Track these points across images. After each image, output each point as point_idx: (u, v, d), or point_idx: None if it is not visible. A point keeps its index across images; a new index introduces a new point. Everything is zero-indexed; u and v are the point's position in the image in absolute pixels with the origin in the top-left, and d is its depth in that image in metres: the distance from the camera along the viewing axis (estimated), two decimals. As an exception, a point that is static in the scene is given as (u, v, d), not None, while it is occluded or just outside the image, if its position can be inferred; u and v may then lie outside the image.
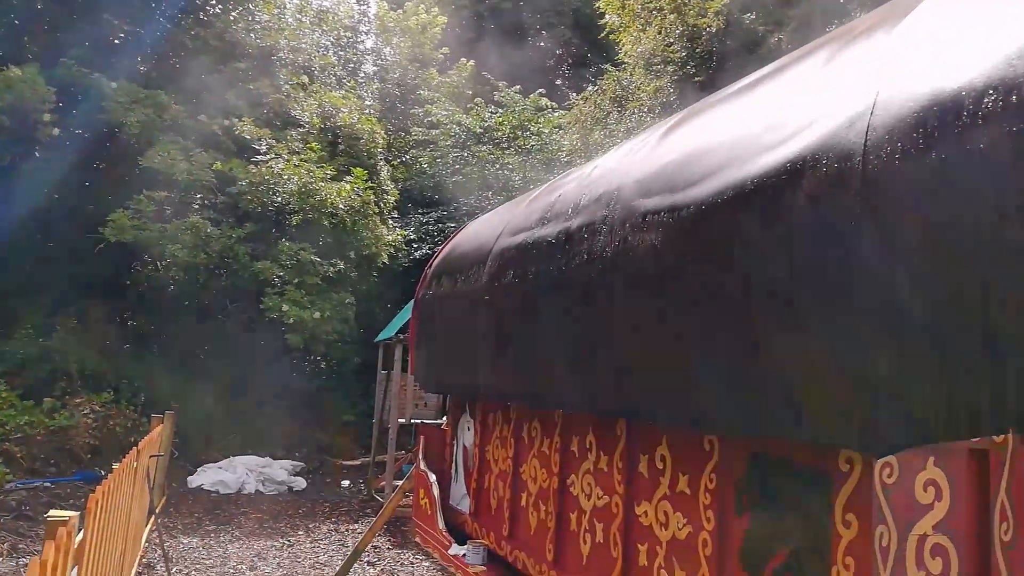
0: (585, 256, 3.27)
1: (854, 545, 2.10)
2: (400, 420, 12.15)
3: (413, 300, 5.85)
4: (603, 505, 3.37)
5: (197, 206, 15.43)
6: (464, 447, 5.16)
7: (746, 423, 2.31)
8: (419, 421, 12.99)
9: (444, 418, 12.59)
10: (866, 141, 1.91)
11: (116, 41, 17.64)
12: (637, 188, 3.07)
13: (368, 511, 12.45)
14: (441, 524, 4.68)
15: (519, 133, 24.54)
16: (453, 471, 5.25)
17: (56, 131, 14.59)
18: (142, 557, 8.50)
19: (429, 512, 4.88)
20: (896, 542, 2.07)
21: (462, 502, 5.01)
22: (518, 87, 25.74)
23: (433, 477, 5.05)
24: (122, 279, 16.76)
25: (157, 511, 9.71)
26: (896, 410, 1.81)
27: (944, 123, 1.68)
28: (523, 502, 4.13)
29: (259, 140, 15.78)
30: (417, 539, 5.25)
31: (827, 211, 2.00)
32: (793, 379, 2.05)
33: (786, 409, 2.10)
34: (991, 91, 1.59)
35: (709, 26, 16.28)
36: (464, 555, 4.18)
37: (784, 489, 2.38)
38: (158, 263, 15.63)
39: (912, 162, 1.75)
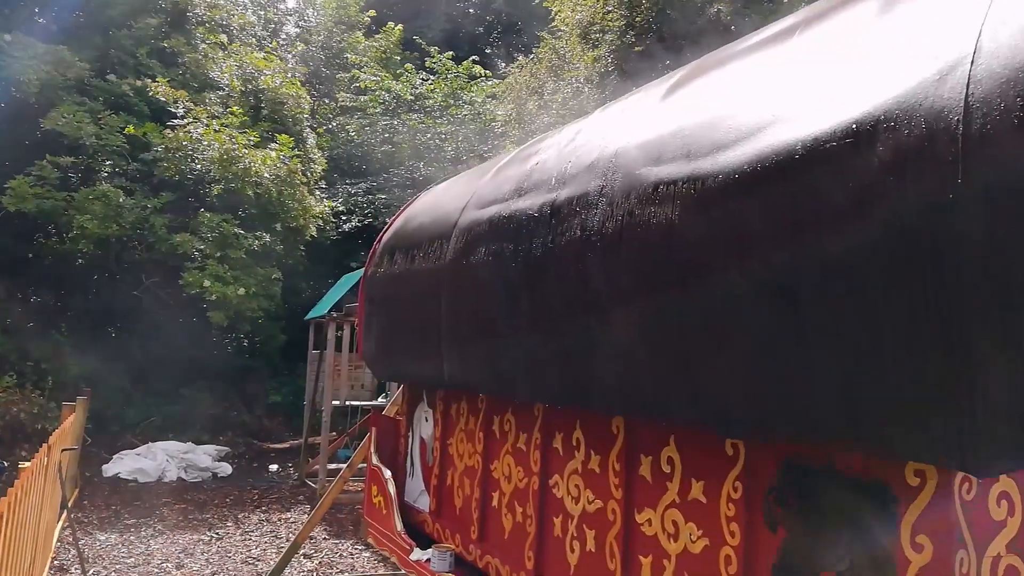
0: (578, 232, 2.89)
1: (927, 572, 1.81)
2: (335, 402, 11.59)
3: (360, 278, 5.36)
4: (595, 510, 3.04)
5: (107, 173, 14.22)
6: (421, 439, 4.75)
7: (792, 428, 1.99)
8: (360, 404, 12.50)
9: (381, 398, 12.12)
10: (967, 96, 1.58)
11: (10, -10, 16.02)
12: (641, 154, 2.70)
13: (300, 498, 11.89)
14: (399, 525, 4.27)
15: (451, 101, 23.87)
16: (408, 465, 4.83)
17: (-59, 88, 13.14)
18: (53, 559, 7.77)
19: (384, 511, 4.47)
20: (975, 569, 1.81)
21: (419, 499, 4.62)
22: (451, 53, 25.00)
23: (388, 473, 4.62)
24: (23, 252, 15.38)
25: (70, 505, 8.93)
26: (1010, 427, 1.52)
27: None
28: (495, 502, 3.77)
29: (176, 103, 14.65)
30: (370, 539, 4.83)
31: (912, 184, 1.67)
32: (865, 382, 1.73)
33: (852, 416, 1.79)
34: None
35: (649, -7, 16.03)
36: (428, 560, 3.80)
37: (831, 503, 2.08)
38: (63, 235, 14.37)
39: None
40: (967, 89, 1.59)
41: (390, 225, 5.19)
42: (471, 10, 38.69)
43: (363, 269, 5.22)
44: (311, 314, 12.97)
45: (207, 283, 12.76)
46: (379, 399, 12.01)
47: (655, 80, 3.50)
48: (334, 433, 12.98)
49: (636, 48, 15.70)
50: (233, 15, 20.52)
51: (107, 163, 14.23)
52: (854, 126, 1.81)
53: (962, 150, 1.57)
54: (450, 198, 4.48)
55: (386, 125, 22.78)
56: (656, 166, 2.57)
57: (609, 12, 16.61)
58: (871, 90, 1.83)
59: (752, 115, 2.21)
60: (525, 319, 3.30)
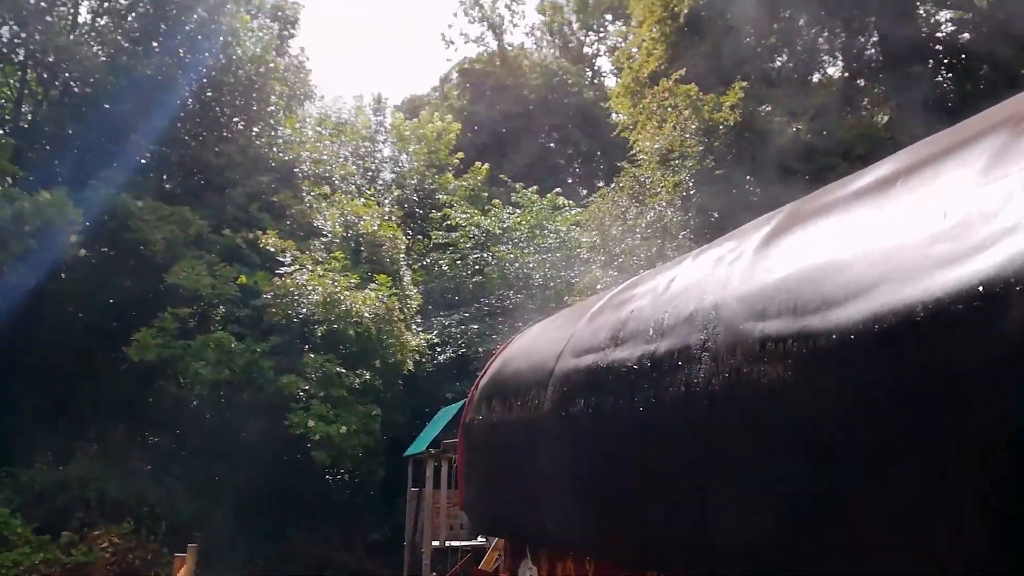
0: (682, 388, 2.81)
1: None
2: (434, 543, 11.36)
3: (457, 414, 5.36)
4: None
5: (220, 320, 15.22)
6: (527, 597, 4.53)
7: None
8: (460, 543, 12.20)
9: (480, 538, 11.79)
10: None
11: (143, 161, 18.06)
12: (743, 308, 2.64)
13: (402, 642, 11.47)
14: None
15: (537, 232, 24.57)
16: (515, 624, 4.60)
17: (82, 251, 14.64)
18: None
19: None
20: None
21: (528, 662, 4.35)
22: (535, 187, 26.01)
23: (494, 634, 4.40)
24: (144, 398, 16.38)
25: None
26: None
27: None
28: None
29: (283, 252, 15.75)
30: None
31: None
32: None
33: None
34: None
35: (726, 120, 16.37)
36: None
37: None
38: (180, 380, 15.28)
39: None
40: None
41: (486, 370, 5.22)
42: (552, 144, 40.56)
43: (461, 407, 5.23)
44: (410, 450, 13.02)
45: (311, 423, 13.15)
46: (478, 539, 11.69)
47: (748, 224, 3.48)
48: (435, 574, 12.65)
49: (717, 171, 15.89)
50: (335, 167, 22.24)
51: (221, 310, 15.26)
52: (981, 285, 1.72)
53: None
54: (545, 343, 4.49)
55: (476, 258, 23.59)
56: (761, 321, 2.51)
57: (687, 139, 17.00)
58: (998, 246, 1.75)
59: (863, 269, 2.15)
60: (628, 476, 3.19)
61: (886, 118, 18.55)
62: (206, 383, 14.02)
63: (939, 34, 20.01)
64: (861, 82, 21.10)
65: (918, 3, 19.33)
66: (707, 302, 2.92)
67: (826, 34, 21.28)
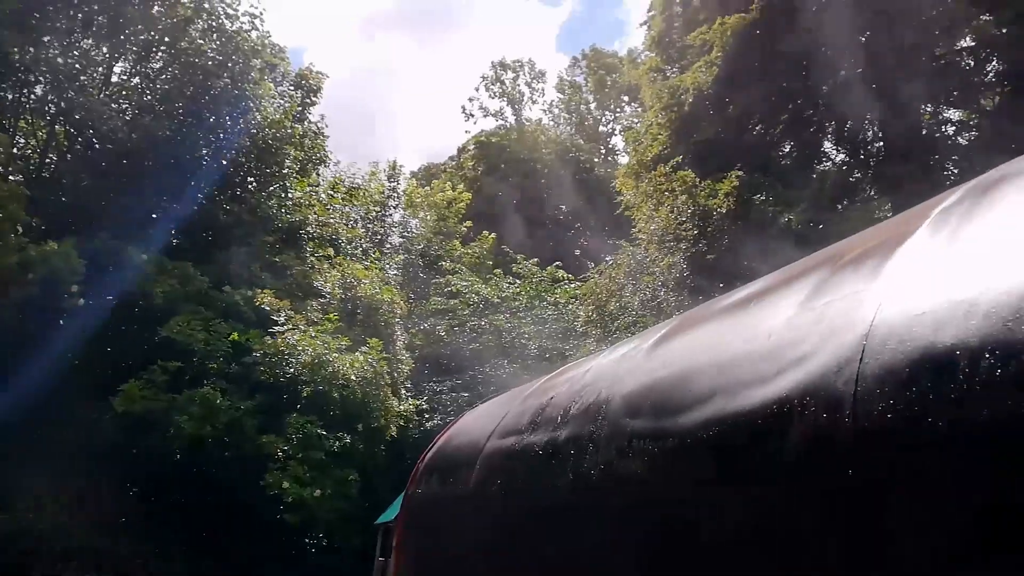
0: (570, 476, 3.00)
1: None
2: (399, 613, 11.18)
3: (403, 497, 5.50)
4: None
5: (210, 375, 15.41)
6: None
7: None
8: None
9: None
10: (856, 391, 1.71)
11: (153, 215, 18.62)
12: (624, 405, 2.86)
13: None
14: None
15: (536, 303, 24.87)
16: None
17: (81, 301, 14.99)
18: None
19: None
20: None
21: None
22: (536, 259, 26.44)
23: None
24: (127, 450, 16.42)
25: None
26: None
27: (938, 384, 1.48)
28: None
29: (278, 311, 16.05)
30: None
31: (816, 467, 1.78)
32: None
33: None
34: (987, 354, 1.40)
35: (720, 207, 16.78)
36: None
37: None
38: (164, 433, 15.36)
39: (904, 427, 1.53)
40: (855, 384, 1.72)
41: (433, 444, 5.39)
42: (561, 217, 41.32)
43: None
44: (381, 518, 12.96)
45: (286, 484, 13.16)
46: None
47: (656, 325, 3.72)
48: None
49: (709, 256, 16.21)
50: (342, 229, 22.78)
51: (211, 366, 15.47)
52: (775, 406, 1.95)
53: (852, 436, 1.68)
54: (483, 422, 4.68)
55: (474, 325, 23.83)
56: (634, 418, 2.72)
57: (683, 223, 17.37)
58: (792, 371, 1.98)
59: (709, 379, 2.37)
60: (527, 556, 3.34)
61: (883, 212, 18.89)
62: (187, 438, 14.11)
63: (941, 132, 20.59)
64: (858, 174, 21.51)
65: (924, 102, 19.90)
66: (602, 396, 3.14)
67: (828, 125, 21.85)
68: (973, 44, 19.50)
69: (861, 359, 1.73)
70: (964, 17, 17.28)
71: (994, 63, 19.53)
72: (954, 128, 20.93)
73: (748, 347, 2.26)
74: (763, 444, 1.99)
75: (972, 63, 19.81)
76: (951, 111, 20.98)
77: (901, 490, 1.57)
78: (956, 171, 18.81)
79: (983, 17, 17.85)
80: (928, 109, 20.46)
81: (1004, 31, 16.89)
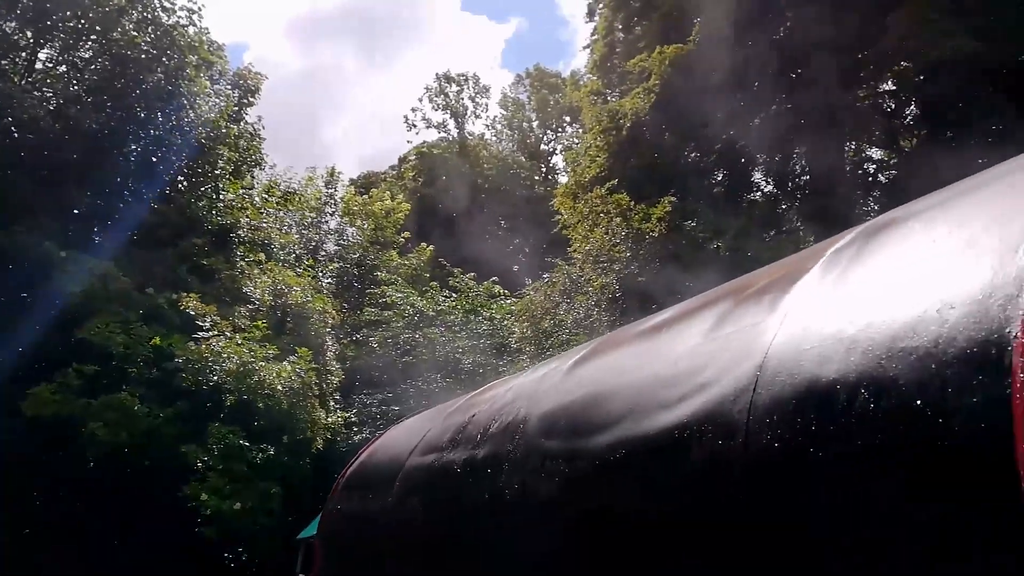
0: (486, 495, 3.03)
1: None
2: (316, 630, 10.93)
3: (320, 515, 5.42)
4: None
5: (128, 381, 14.80)
6: None
7: None
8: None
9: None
10: (748, 420, 1.80)
11: (75, 210, 17.83)
12: (540, 425, 2.91)
13: None
14: None
15: (471, 318, 24.84)
16: None
17: (-7, 297, 14.24)
18: None
19: None
20: None
21: None
22: (473, 274, 26.44)
23: None
24: (38, 456, 15.59)
25: None
26: None
27: (820, 416, 1.58)
28: None
29: (204, 316, 15.57)
30: None
31: (713, 490, 1.86)
32: None
33: None
34: (863, 389, 1.50)
35: (652, 230, 17.19)
36: None
37: None
38: (79, 441, 14.66)
39: (790, 457, 1.63)
40: (748, 413, 1.81)
41: (354, 460, 5.34)
42: (500, 233, 41.51)
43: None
44: (303, 533, 12.67)
45: (204, 496, 12.72)
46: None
47: (576, 347, 3.80)
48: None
49: (640, 278, 16.55)
50: (275, 235, 22.30)
51: (131, 371, 14.86)
52: (675, 432, 2.03)
53: (743, 463, 1.77)
54: (405, 439, 4.67)
55: (408, 338, 23.61)
56: (548, 439, 2.78)
57: (616, 245, 17.71)
58: (693, 399, 2.06)
59: (618, 402, 2.45)
60: (448, 572, 3.34)
61: (808, 242, 19.57)
62: (103, 445, 13.50)
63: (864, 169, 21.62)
64: (785, 205, 22.30)
65: (846, 142, 20.80)
66: (521, 415, 3.19)
67: (758, 157, 22.61)
68: (894, 88, 20.62)
69: (755, 389, 1.82)
70: (886, 62, 18.24)
71: (912, 107, 20.69)
72: (875, 167, 22.04)
73: (656, 373, 2.34)
74: (665, 467, 2.06)
75: (893, 106, 20.94)
76: (873, 150, 22.10)
77: (785, 517, 1.66)
78: (876, 207, 19.77)
79: (903, 64, 18.87)
80: (852, 146, 21.49)
81: (922, 78, 17.89)
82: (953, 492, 1.30)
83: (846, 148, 21.11)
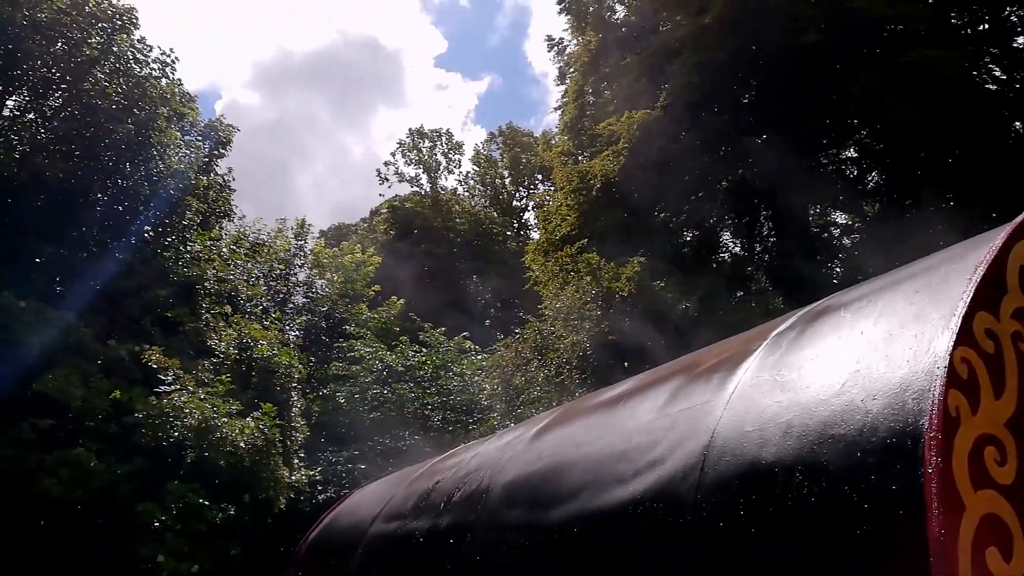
0: (449, 566, 3.05)
1: None
2: None
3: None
4: None
5: (86, 435, 14.40)
6: None
7: None
8: None
9: None
10: (696, 498, 1.88)
11: (37, 259, 17.57)
12: (503, 495, 2.96)
13: None
14: None
15: (441, 373, 24.69)
16: None
17: (-52, 349, 13.88)
18: None
19: None
20: None
21: None
22: (443, 328, 26.39)
23: None
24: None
25: None
26: None
27: (761, 498, 1.67)
28: None
29: (167, 370, 15.31)
30: None
31: (665, 564, 1.92)
32: None
33: None
34: (798, 472, 1.60)
35: (622, 290, 17.43)
36: None
37: None
38: (31, 497, 14.15)
39: (735, 533, 1.71)
40: (696, 491, 1.89)
41: (318, 524, 5.28)
42: (471, 288, 41.67)
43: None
44: (263, 596, 12.29)
45: (160, 558, 12.31)
46: None
47: (540, 414, 3.87)
48: None
49: (610, 337, 16.71)
50: (242, 286, 22.14)
51: (89, 425, 14.49)
52: (629, 507, 2.10)
53: (693, 539, 1.84)
54: (370, 503, 4.65)
55: (376, 393, 23.36)
56: (510, 509, 2.83)
57: (587, 303, 17.89)
58: (646, 474, 2.14)
59: (578, 475, 2.52)
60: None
61: (776, 304, 19.87)
62: (55, 503, 13.05)
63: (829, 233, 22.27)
64: (751, 267, 22.76)
65: (811, 206, 21.40)
66: (484, 484, 3.23)
67: (727, 218, 23.15)
68: (856, 155, 21.46)
69: (702, 468, 1.92)
70: (849, 130, 19.03)
71: (874, 175, 21.51)
72: (839, 230, 22.74)
73: (613, 447, 2.43)
74: (618, 541, 2.13)
75: (855, 172, 21.74)
76: (837, 214, 22.83)
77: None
78: (841, 270, 20.31)
79: (862, 132, 19.68)
80: (816, 210, 22.18)
81: (882, 146, 18.66)
82: (876, 570, 1.39)
83: (811, 212, 21.78)
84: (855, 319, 1.78)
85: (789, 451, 1.66)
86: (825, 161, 20.86)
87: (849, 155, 21.60)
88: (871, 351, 1.60)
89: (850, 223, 22.51)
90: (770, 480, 1.67)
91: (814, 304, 2.28)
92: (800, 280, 16.97)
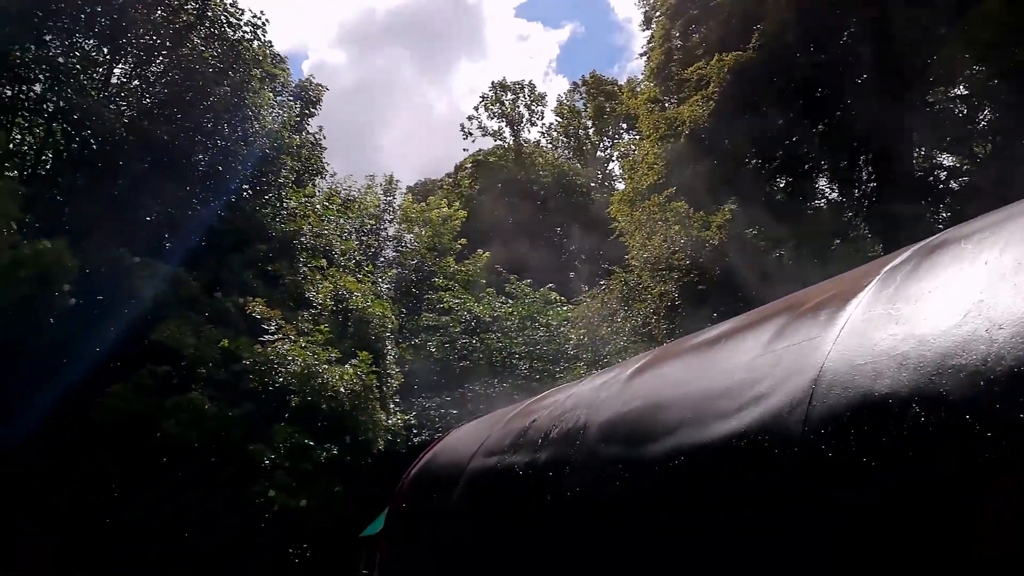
0: (549, 496, 3.16)
1: None
2: (376, 628, 11.21)
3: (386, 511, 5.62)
4: None
5: (198, 382, 15.45)
6: None
7: None
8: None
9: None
10: (803, 431, 1.88)
11: (147, 218, 18.70)
12: (600, 432, 3.03)
13: None
14: None
15: (528, 323, 24.99)
16: None
17: (72, 301, 15.00)
18: None
19: None
20: None
21: None
22: (529, 280, 26.59)
23: None
24: (112, 455, 16.37)
25: None
26: None
27: (874, 429, 1.66)
28: None
29: (269, 320, 16.13)
30: None
31: (767, 495, 1.95)
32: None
33: None
34: (914, 403, 1.58)
35: (712, 238, 17.01)
36: None
37: None
38: (152, 438, 15.36)
39: (844, 466, 1.71)
40: (804, 424, 1.89)
41: (418, 461, 5.53)
42: (555, 240, 41.61)
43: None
44: (366, 531, 12.98)
45: (272, 493, 13.19)
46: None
47: (633, 357, 3.90)
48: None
49: (700, 286, 16.42)
50: (336, 241, 22.92)
51: (201, 372, 15.52)
52: (732, 440, 2.12)
53: (798, 472, 1.86)
54: (467, 441, 4.83)
55: (465, 343, 23.93)
56: (607, 445, 2.89)
57: (675, 252, 17.59)
58: (751, 409, 2.15)
59: (677, 412, 2.55)
60: (513, 570, 3.48)
61: (875, 251, 19.02)
62: (173, 443, 14.14)
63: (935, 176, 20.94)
64: (850, 213, 21.72)
65: (915, 148, 20.16)
66: (580, 422, 3.31)
67: (823, 163, 22.08)
68: (967, 93, 19.93)
69: (810, 402, 1.91)
70: (959, 66, 17.67)
71: (987, 112, 19.94)
72: (945, 173, 21.32)
73: (713, 384, 2.43)
74: (722, 475, 2.16)
75: (965, 111, 20.21)
76: (944, 156, 21.38)
77: (837, 525, 1.74)
78: (947, 215, 19.12)
79: (976, 67, 18.24)
80: (921, 152, 20.83)
81: (996, 82, 17.27)
82: (1000, 498, 1.37)
83: (915, 154, 20.50)
84: (977, 249, 1.72)
85: (905, 382, 1.63)
86: (931, 100, 19.48)
87: (958, 92, 20.10)
88: (997, 280, 1.55)
89: (958, 165, 21.04)
90: (883, 411, 1.65)
91: (929, 239, 2.20)
92: (901, 226, 16.09)
